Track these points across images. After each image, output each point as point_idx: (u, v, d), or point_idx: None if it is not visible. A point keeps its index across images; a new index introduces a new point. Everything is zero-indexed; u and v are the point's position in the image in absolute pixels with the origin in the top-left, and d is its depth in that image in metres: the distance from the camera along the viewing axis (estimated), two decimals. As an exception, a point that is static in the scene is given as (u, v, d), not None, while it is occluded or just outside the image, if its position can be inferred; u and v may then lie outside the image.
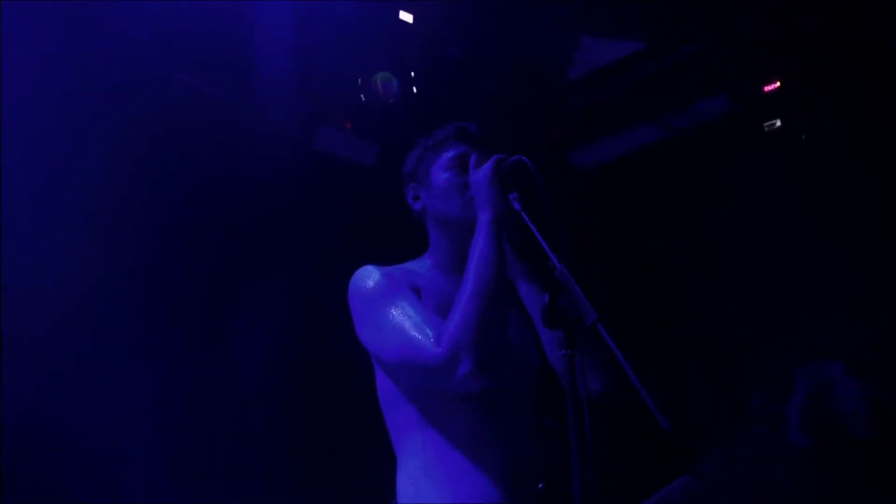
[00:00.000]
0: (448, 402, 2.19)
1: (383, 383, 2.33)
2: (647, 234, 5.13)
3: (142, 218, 4.25)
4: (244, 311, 4.55)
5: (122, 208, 4.18)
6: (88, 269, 4.01)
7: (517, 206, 2.13)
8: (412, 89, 4.54)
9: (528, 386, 2.31)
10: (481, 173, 2.22)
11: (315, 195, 4.83)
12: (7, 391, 3.65)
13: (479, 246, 2.15)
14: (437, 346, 2.06)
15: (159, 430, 4.21)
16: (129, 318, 4.18)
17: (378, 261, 2.42)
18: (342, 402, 4.68)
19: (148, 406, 4.19)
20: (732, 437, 2.25)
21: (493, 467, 2.16)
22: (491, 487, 2.14)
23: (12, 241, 3.75)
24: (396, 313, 2.18)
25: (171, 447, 4.22)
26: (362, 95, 4.49)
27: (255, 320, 4.55)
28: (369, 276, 2.29)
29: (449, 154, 2.41)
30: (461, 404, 2.18)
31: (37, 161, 3.90)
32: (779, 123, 4.54)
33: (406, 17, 4.10)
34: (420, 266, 2.42)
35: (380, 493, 2.36)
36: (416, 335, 2.11)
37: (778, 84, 4.42)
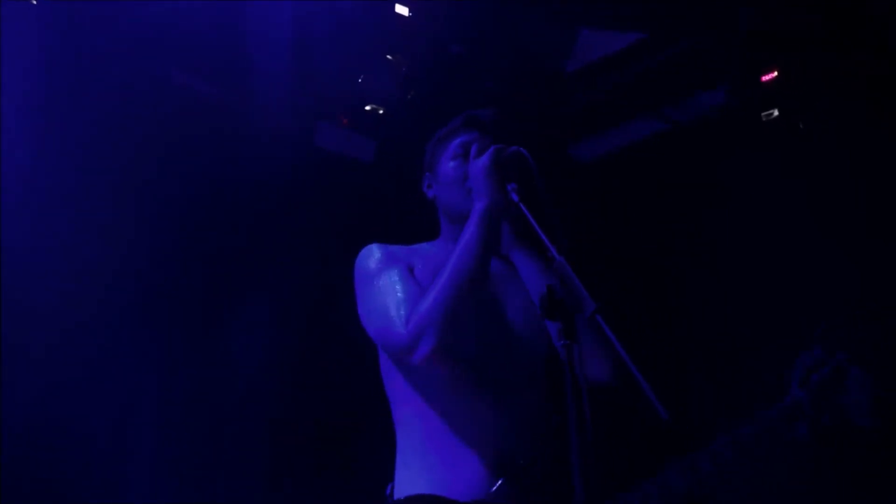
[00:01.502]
0: (440, 381, 2.21)
1: (383, 355, 2.36)
2: (647, 227, 5.12)
3: (141, 216, 4.25)
4: (244, 308, 4.55)
5: (121, 207, 4.19)
6: (87, 267, 4.02)
7: (515, 196, 2.14)
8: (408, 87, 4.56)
9: (530, 372, 2.31)
10: (479, 163, 2.24)
11: (313, 191, 4.83)
12: (7, 391, 3.65)
13: (467, 235, 2.17)
14: (405, 326, 2.11)
15: (159, 430, 4.21)
16: (129, 317, 4.18)
17: None
18: (341, 399, 4.68)
19: (148, 406, 4.19)
20: (737, 430, 2.22)
21: (483, 453, 2.17)
22: (478, 473, 2.15)
23: (12, 241, 3.75)
24: (382, 291, 2.23)
25: (171, 447, 4.22)
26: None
27: (255, 317, 4.56)
28: (369, 255, 2.35)
29: (456, 142, 2.43)
30: (457, 385, 2.20)
31: (36, 161, 3.90)
32: (776, 113, 4.55)
33: (402, 10, 4.11)
34: (429, 246, 2.46)
35: (380, 493, 2.36)
36: (392, 313, 2.16)
37: (776, 74, 4.42)
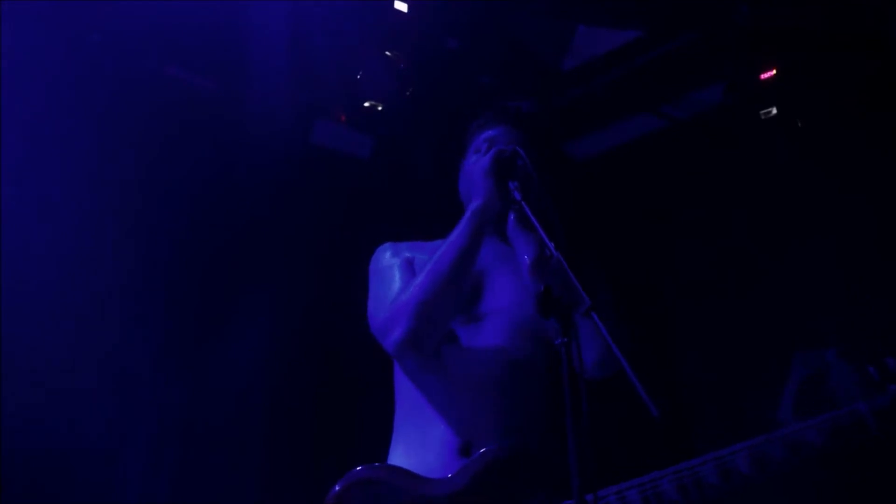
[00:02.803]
0: (425, 368, 2.27)
1: None
2: (643, 223, 5.13)
3: (138, 212, 4.24)
4: (240, 305, 4.54)
5: (117, 203, 4.18)
6: (83, 264, 4.00)
7: (518, 195, 2.16)
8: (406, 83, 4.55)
9: (524, 362, 2.32)
10: (481, 163, 2.29)
11: (310, 188, 4.83)
12: (5, 390, 3.64)
13: (455, 231, 2.24)
14: (384, 312, 2.22)
15: (156, 431, 4.20)
16: (123, 312, 4.16)
17: (371, 253, 2.54)
18: (338, 395, 4.68)
19: (145, 406, 4.18)
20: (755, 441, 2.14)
21: (449, 435, 2.22)
22: (441, 454, 2.19)
23: (9, 240, 3.74)
24: (378, 283, 2.35)
25: (168, 448, 4.21)
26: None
27: (251, 313, 4.55)
28: (378, 252, 2.48)
29: (482, 137, 2.47)
30: (443, 372, 2.26)
31: (34, 157, 3.89)
32: (775, 111, 4.56)
33: (401, 6, 4.12)
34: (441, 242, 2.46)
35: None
36: (379, 301, 2.29)
37: (774, 72, 4.43)
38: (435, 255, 2.21)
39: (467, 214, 2.24)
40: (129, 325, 4.17)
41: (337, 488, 2.13)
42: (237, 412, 4.47)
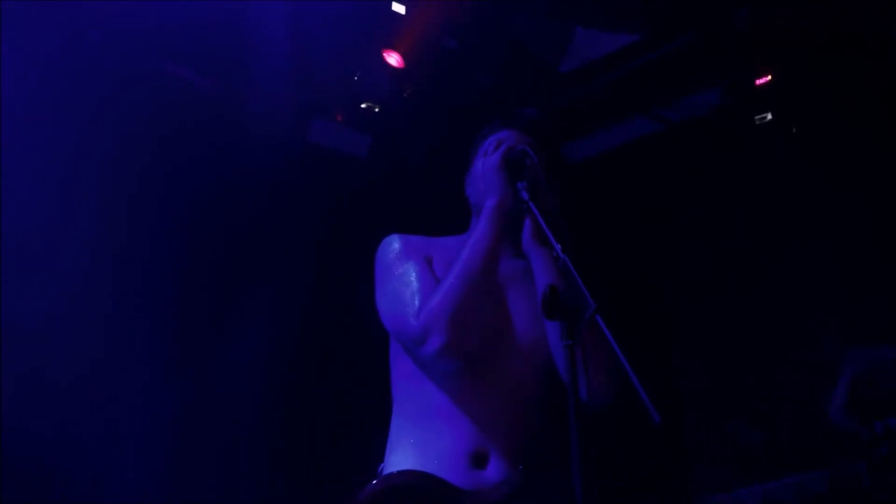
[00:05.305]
0: (443, 371, 2.22)
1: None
2: (643, 224, 5.13)
3: (135, 211, 4.23)
4: (236, 304, 4.53)
5: (115, 202, 4.17)
6: (82, 261, 3.99)
7: (525, 195, 2.15)
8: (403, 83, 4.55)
9: (532, 372, 2.31)
10: (490, 161, 2.27)
11: (307, 188, 4.82)
12: (4, 391, 3.62)
13: (478, 230, 2.20)
14: (416, 319, 2.12)
15: (156, 430, 4.19)
16: (121, 312, 4.15)
17: (369, 252, 2.47)
18: (336, 393, 4.67)
19: (143, 405, 4.17)
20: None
21: (473, 442, 2.18)
22: (450, 462, 2.15)
23: (9, 239, 3.73)
24: (398, 282, 2.25)
25: (168, 447, 4.20)
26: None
27: (248, 312, 4.54)
28: (388, 245, 2.37)
29: (489, 140, 2.46)
30: (458, 375, 2.20)
31: (32, 154, 3.88)
32: (770, 117, 4.56)
33: (398, 7, 4.11)
34: (454, 240, 2.44)
35: (371, 475, 2.38)
36: (406, 305, 2.18)
37: (770, 78, 4.43)
38: (460, 257, 2.16)
39: (485, 213, 2.21)
40: (127, 324, 4.16)
41: (369, 492, 2.11)
42: (236, 412, 4.45)
